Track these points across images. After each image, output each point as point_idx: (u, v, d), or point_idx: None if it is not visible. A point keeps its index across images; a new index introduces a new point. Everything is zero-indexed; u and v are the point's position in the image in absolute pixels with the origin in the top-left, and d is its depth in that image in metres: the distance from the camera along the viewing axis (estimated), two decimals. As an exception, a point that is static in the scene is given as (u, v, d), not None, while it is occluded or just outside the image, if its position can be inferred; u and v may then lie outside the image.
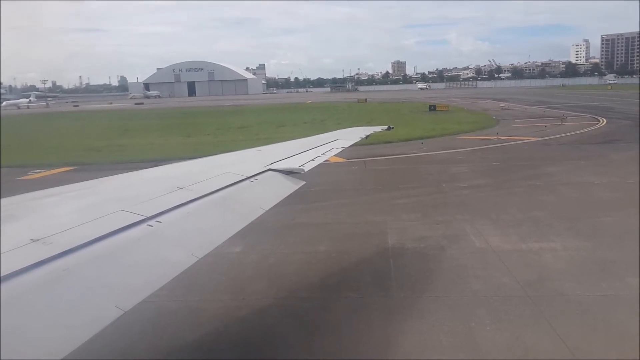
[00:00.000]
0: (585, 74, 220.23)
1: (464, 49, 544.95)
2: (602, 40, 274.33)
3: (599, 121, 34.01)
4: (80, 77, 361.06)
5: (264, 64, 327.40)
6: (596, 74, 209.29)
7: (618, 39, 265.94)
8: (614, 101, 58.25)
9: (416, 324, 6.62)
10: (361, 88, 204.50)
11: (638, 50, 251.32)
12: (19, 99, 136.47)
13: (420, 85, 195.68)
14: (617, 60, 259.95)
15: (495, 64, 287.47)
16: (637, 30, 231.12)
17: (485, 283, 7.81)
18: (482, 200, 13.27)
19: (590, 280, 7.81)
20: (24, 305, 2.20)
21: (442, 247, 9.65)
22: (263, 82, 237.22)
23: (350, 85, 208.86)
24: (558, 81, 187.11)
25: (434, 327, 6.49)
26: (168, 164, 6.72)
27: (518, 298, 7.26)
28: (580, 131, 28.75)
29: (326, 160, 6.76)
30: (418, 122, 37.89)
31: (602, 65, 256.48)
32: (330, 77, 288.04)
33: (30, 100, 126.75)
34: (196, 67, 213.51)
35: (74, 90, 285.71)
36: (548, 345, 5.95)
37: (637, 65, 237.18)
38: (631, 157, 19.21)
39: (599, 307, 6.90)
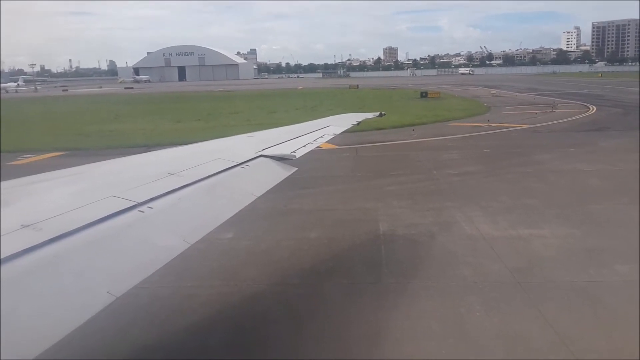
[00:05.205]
0: (575, 61, 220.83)
1: (456, 36, 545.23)
2: (593, 28, 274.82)
3: (589, 109, 34.22)
4: (70, 60, 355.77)
5: (255, 49, 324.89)
6: (587, 61, 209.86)
7: (609, 27, 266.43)
8: (603, 89, 58.53)
9: (406, 310, 6.67)
10: (353, 74, 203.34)
11: (629, 37, 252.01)
12: (6, 83, 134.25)
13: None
14: (608, 48, 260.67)
15: (487, 50, 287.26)
16: (628, 17, 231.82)
17: (475, 270, 7.88)
18: (473, 187, 13.33)
19: (579, 267, 7.90)
20: (15, 291, 2.19)
21: (432, 234, 9.70)
22: (254, 67, 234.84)
23: (341, 71, 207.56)
24: (549, 68, 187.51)
25: (424, 313, 6.56)
26: (159, 149, 6.67)
27: (508, 284, 7.33)
28: (571, 119, 28.92)
29: (318, 147, 6.74)
30: (409, 108, 37.86)
31: (592, 52, 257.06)
32: (321, 62, 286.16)
33: (18, 84, 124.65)
34: (187, 51, 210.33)
35: (63, 74, 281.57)
36: (537, 330, 6.02)
37: (628, 52, 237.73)
38: (620, 145, 19.40)
39: (587, 293, 6.99)
